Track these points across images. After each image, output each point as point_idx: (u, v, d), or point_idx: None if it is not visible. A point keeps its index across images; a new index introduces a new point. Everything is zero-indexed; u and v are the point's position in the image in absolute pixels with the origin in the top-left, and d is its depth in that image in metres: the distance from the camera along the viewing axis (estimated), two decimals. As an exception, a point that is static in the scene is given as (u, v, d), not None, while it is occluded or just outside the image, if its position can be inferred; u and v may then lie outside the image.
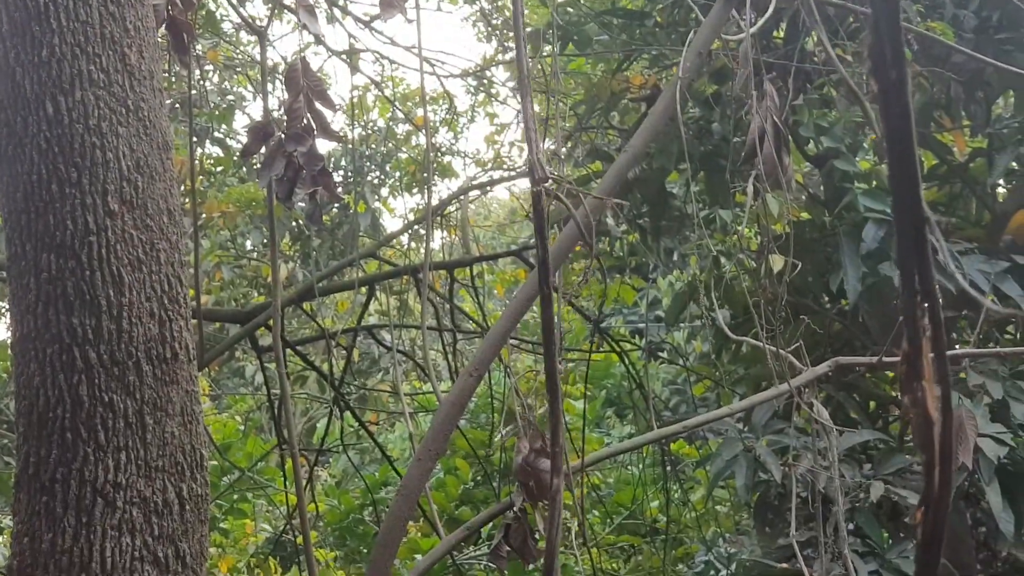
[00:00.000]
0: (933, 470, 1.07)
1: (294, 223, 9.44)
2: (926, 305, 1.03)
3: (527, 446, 4.38)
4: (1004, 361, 6.29)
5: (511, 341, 7.94)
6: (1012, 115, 7.14)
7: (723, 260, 6.78)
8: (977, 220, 7.42)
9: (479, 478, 8.60)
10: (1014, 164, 7.03)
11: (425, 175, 7.14)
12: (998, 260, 6.42)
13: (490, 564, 7.85)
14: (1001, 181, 7.39)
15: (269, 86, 5.43)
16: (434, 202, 7.35)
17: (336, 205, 9.49)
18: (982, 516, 6.75)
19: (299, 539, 7.10)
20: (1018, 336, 7.31)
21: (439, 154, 7.97)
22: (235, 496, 9.42)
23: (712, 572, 8.76)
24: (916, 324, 1.01)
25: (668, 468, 7.95)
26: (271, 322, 5.27)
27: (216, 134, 10.13)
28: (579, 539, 7.02)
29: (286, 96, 4.68)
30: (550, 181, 3.04)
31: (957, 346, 6.58)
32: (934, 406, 1.06)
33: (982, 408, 5.95)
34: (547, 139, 6.19)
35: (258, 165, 5.12)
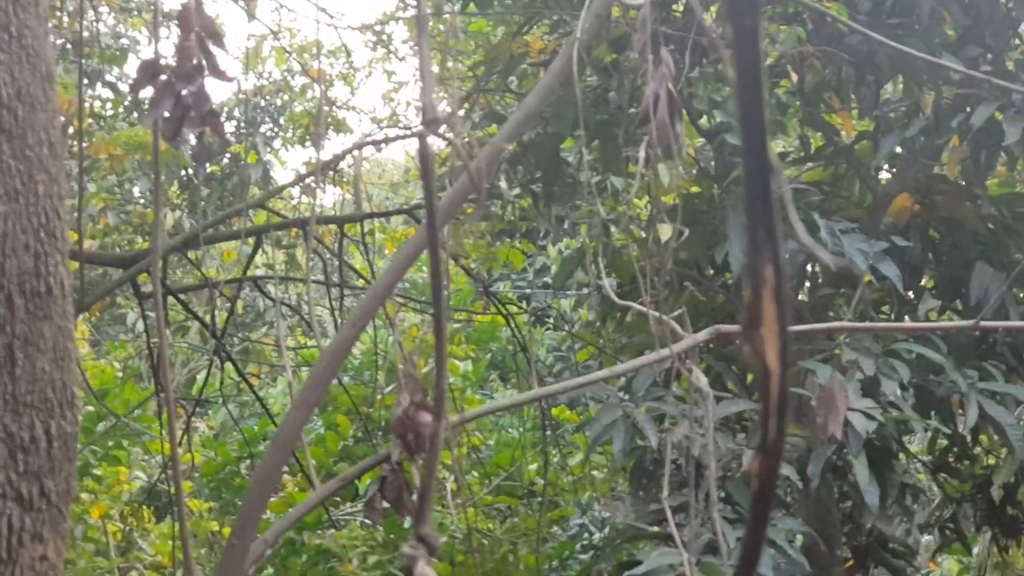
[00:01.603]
0: (768, 420, 1.10)
1: (183, 171, 9.32)
2: (770, 255, 1.06)
3: (407, 399, 4.39)
4: (877, 338, 6.45)
5: (398, 299, 7.95)
6: (900, 99, 7.31)
7: (612, 228, 6.84)
8: (860, 201, 7.59)
9: (360, 435, 8.61)
10: (898, 148, 7.20)
11: (319, 128, 7.10)
12: (878, 241, 6.58)
13: (366, 520, 7.88)
14: (885, 164, 7.56)
15: (164, 31, 5.36)
16: (327, 156, 7.31)
17: (227, 155, 9.39)
18: (849, 489, 6.92)
19: (173, 489, 7.06)
20: (893, 315, 7.51)
21: (333, 108, 7.91)
22: (110, 443, 9.30)
23: (586, 535, 8.89)
24: (759, 272, 1.04)
25: (548, 432, 8.04)
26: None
27: (108, 77, 9.95)
28: (456, 498, 7.08)
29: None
30: (443, 126, 3.06)
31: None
32: (773, 356, 1.09)
33: (854, 383, 6.11)
34: (444, 98, 6.19)
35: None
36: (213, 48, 4.85)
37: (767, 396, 1.12)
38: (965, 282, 7.03)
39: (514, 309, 8.55)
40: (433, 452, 3.32)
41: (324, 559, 8.06)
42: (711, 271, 7.46)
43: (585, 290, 8.00)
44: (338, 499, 8.32)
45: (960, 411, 6.90)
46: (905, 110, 7.05)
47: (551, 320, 9.61)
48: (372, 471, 4.59)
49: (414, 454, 4.48)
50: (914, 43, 6.34)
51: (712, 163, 7.38)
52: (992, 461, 7.77)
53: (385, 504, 4.47)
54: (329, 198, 10.34)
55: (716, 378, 6.99)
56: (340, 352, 4.58)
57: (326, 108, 7.73)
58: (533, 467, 8.76)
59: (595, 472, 9.14)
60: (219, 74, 5.01)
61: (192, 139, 4.89)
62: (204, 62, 4.77)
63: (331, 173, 7.71)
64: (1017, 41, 7.24)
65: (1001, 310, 6.84)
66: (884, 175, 7.87)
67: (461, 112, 7.36)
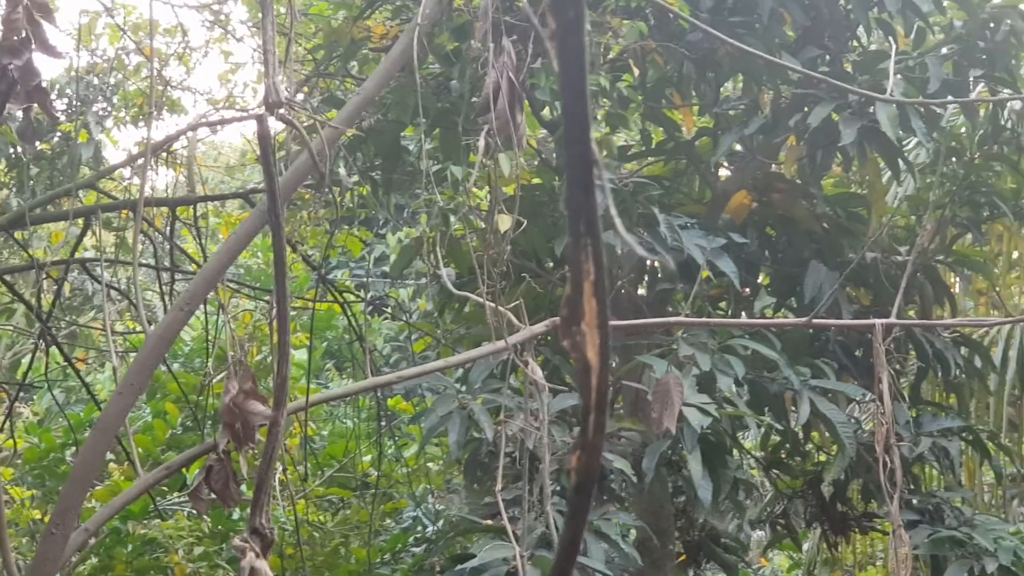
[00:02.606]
0: (589, 415, 1.06)
1: (11, 149, 8.97)
2: (590, 247, 1.01)
3: (235, 387, 4.26)
4: (714, 334, 6.49)
5: (231, 284, 7.75)
6: (739, 97, 7.36)
7: (452, 218, 6.76)
8: (700, 197, 7.63)
9: (189, 423, 8.38)
10: (738, 145, 7.25)
11: (151, 108, 6.87)
12: (715, 237, 6.61)
13: (193, 510, 7.67)
14: (724, 161, 7.61)
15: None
16: (160, 137, 7.09)
17: (58, 134, 9.05)
18: (683, 484, 6.95)
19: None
20: (730, 311, 7.57)
21: (168, 88, 7.67)
22: (-72, 429, 8.90)
23: (419, 527, 8.79)
24: (579, 267, 1.00)
25: (383, 423, 7.92)
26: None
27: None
28: (287, 489, 6.93)
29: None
30: (283, 109, 2.93)
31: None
32: (593, 351, 1.04)
33: (690, 378, 6.12)
34: (285, 81, 6.02)
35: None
36: (42, 22, 4.63)
37: (587, 392, 1.07)
38: (800, 280, 7.12)
39: (352, 297, 8.42)
40: (272, 442, 3.19)
41: (150, 549, 7.84)
42: (551, 263, 7.43)
43: (424, 280, 7.91)
44: (165, 488, 8.08)
45: (793, 408, 6.98)
46: (744, 108, 7.10)
47: (389, 309, 9.48)
48: (200, 460, 4.44)
49: (241, 443, 4.35)
50: (754, 42, 6.38)
51: (554, 155, 7.34)
52: (823, 458, 7.89)
53: (211, 493, 4.33)
54: (163, 180, 10.07)
55: (554, 371, 6.95)
56: (166, 337, 4.42)
57: (160, 88, 7.49)
58: (367, 458, 8.64)
59: (430, 464, 9.06)
60: (48, 49, 4.78)
61: (19, 115, 4.67)
62: (31, 36, 4.55)
63: (164, 154, 7.48)
64: (855, 43, 7.35)
65: (834, 308, 6.94)
66: (723, 172, 7.93)
67: (300, 96, 7.20)
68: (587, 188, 1.04)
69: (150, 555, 7.85)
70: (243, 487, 4.60)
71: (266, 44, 3.11)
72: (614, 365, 7.55)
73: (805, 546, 10.32)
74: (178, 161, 7.96)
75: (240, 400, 4.25)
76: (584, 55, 1.05)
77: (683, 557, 7.79)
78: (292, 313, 9.19)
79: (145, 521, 8.00)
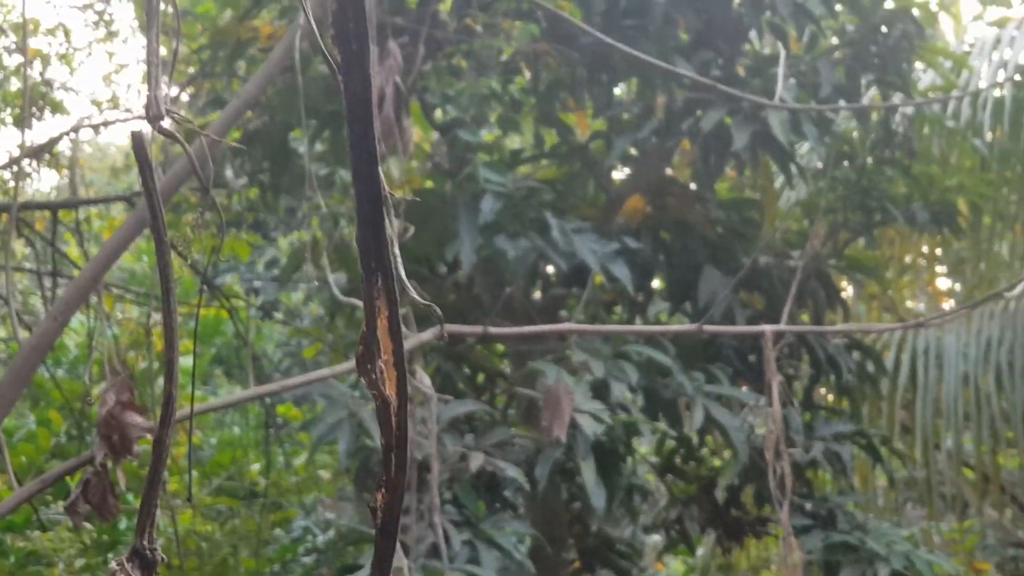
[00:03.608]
0: (391, 452, 1.01)
1: None
2: (382, 285, 0.96)
3: (113, 398, 4.13)
4: (608, 340, 6.43)
5: (115, 289, 7.55)
6: (633, 100, 7.32)
7: (342, 221, 6.64)
8: (594, 201, 7.58)
9: (74, 432, 8.16)
10: (632, 149, 7.21)
11: (31, 107, 6.66)
12: (609, 241, 6.56)
13: (77, 523, 7.45)
14: (618, 164, 7.57)
15: None
16: (42, 139, 6.88)
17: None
18: (577, 491, 6.89)
19: None
20: (625, 317, 7.53)
21: (49, 88, 7.45)
22: None
23: (310, 537, 8.65)
24: (372, 304, 0.95)
25: (272, 430, 7.78)
26: None
27: None
28: (174, 497, 6.76)
29: None
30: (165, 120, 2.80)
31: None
32: (392, 388, 1.01)
33: (584, 385, 6.06)
34: (170, 82, 5.86)
35: None
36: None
37: (388, 429, 1.04)
38: (694, 285, 7.09)
39: (239, 303, 8.25)
40: (157, 463, 3.05)
41: (33, 561, 7.63)
42: (444, 268, 7.34)
43: (316, 284, 7.77)
44: (50, 498, 7.86)
45: (687, 413, 6.95)
46: (638, 111, 7.06)
47: (280, 314, 9.33)
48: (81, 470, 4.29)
49: (119, 455, 4.21)
50: (647, 45, 6.34)
51: (447, 158, 7.24)
52: (718, 463, 7.87)
53: (88, 506, 4.19)
54: (47, 183, 9.81)
55: (446, 378, 6.86)
56: (40, 347, 4.25)
57: (42, 89, 7.27)
58: (256, 467, 8.48)
59: (321, 472, 8.92)
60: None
61: None
62: None
63: (46, 156, 7.26)
64: (748, 47, 7.34)
65: (728, 313, 6.93)
66: (618, 175, 7.89)
67: (185, 97, 7.03)
68: (377, 225, 1.02)
69: (33, 567, 7.64)
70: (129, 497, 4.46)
71: (149, 56, 2.96)
72: (508, 372, 7.48)
73: (700, 551, 10.33)
74: (61, 163, 7.74)
75: (117, 412, 4.13)
76: (369, 89, 1.00)
77: (577, 564, 7.74)
78: (178, 319, 9.01)
79: (28, 532, 7.78)
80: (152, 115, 3.02)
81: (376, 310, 0.95)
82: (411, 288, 1.29)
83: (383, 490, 0.98)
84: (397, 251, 1.02)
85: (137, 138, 3.01)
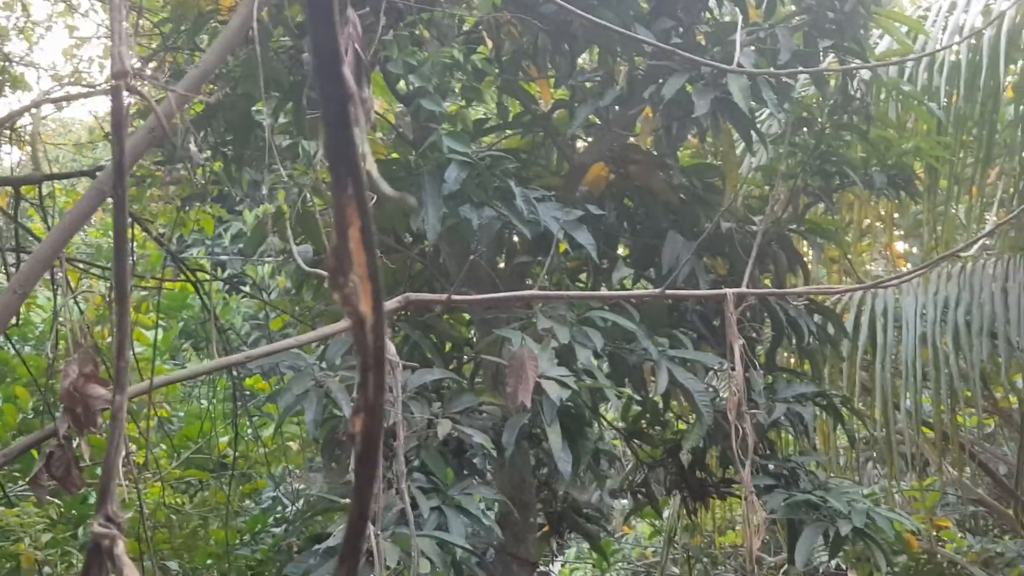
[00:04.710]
0: (368, 373, 0.99)
1: None
2: (353, 193, 0.94)
3: (76, 370, 4.15)
4: (572, 307, 6.49)
5: (78, 264, 7.55)
6: (594, 69, 7.36)
7: (307, 193, 6.65)
8: (557, 169, 7.63)
9: (41, 408, 8.15)
10: (594, 117, 7.25)
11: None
12: (573, 209, 6.61)
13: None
14: (581, 133, 7.61)
15: None
16: (3, 114, 6.86)
17: None
18: (544, 457, 6.96)
19: None
20: (589, 283, 7.59)
21: (9, 63, 7.42)
22: None
23: (279, 508, 8.69)
24: (343, 214, 0.93)
25: (240, 402, 7.80)
26: None
27: None
28: (142, 471, 6.79)
29: None
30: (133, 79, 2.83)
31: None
32: (367, 303, 0.97)
33: (549, 351, 6.11)
34: (132, 51, 5.85)
35: None
36: None
37: (364, 348, 0.99)
38: (658, 251, 7.15)
39: (205, 276, 8.25)
40: (116, 428, 3.09)
41: (1, 538, 7.62)
42: (409, 238, 7.37)
43: (283, 256, 7.79)
44: (17, 474, 7.86)
45: (652, 378, 7.02)
46: (600, 80, 7.10)
47: (247, 287, 9.32)
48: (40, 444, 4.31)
49: (82, 428, 4.24)
50: (608, 14, 6.38)
51: (411, 129, 7.26)
52: (683, 427, 7.96)
53: (52, 479, 4.21)
54: (10, 158, 9.76)
55: (413, 347, 6.91)
56: (2, 319, 4.27)
57: (1, 63, 7.25)
58: (225, 439, 8.50)
59: (290, 443, 8.95)
60: None
61: None
62: None
63: (7, 132, 7.24)
64: (708, 15, 7.39)
65: (692, 278, 7.01)
66: (581, 144, 7.93)
67: (149, 71, 7.02)
68: (346, 129, 0.97)
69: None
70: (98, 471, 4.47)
71: (113, 12, 2.99)
72: (474, 339, 7.54)
73: (666, 513, 10.45)
74: (23, 138, 7.72)
75: (80, 384, 4.14)
76: None
77: (546, 528, 7.83)
78: (144, 293, 9.02)
79: (-3, 508, 7.77)
80: (117, 71, 3.06)
81: (347, 220, 0.94)
82: (387, 187, 1.29)
83: (362, 415, 0.98)
84: (368, 153, 1.02)
85: (115, 94, 3.04)
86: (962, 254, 8.85)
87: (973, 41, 8.58)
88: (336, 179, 0.94)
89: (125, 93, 2.83)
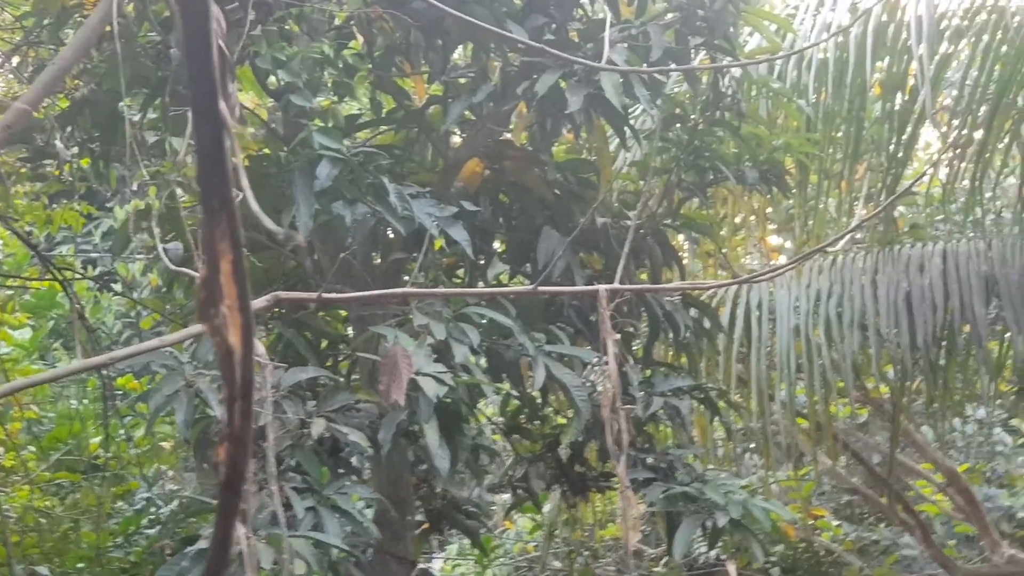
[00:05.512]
0: (235, 404, 0.98)
1: None
2: (226, 225, 0.92)
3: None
4: (449, 303, 6.47)
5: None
6: (468, 65, 7.35)
7: (178, 190, 6.53)
8: (432, 166, 7.60)
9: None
10: (468, 113, 7.24)
11: None
12: (448, 206, 6.59)
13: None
14: (455, 129, 7.59)
15: None
16: None
17: None
18: (421, 454, 6.93)
19: None
20: (467, 280, 7.58)
21: None
22: None
23: (153, 509, 8.55)
24: (214, 245, 0.91)
25: (111, 402, 7.66)
26: None
27: None
28: (9, 474, 6.64)
29: None
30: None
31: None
32: (236, 335, 0.96)
33: (426, 348, 6.09)
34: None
35: None
36: None
37: (231, 379, 0.99)
38: (534, 246, 7.17)
39: (75, 275, 8.09)
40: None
41: None
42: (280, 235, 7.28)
43: (153, 254, 7.65)
44: None
45: (529, 373, 7.04)
46: (474, 76, 7.09)
47: (118, 285, 9.15)
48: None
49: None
50: (480, 10, 6.36)
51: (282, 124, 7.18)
52: (562, 421, 7.99)
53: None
54: None
55: (288, 345, 6.83)
56: None
57: None
58: (96, 440, 8.34)
59: (162, 443, 8.81)
60: None
61: None
62: None
63: None
64: (580, 12, 7.42)
65: (568, 274, 7.02)
66: (455, 140, 7.91)
67: (10, 65, 6.86)
68: (219, 161, 0.96)
69: None
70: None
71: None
72: (351, 335, 7.48)
73: (546, 508, 10.48)
74: None
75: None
76: (209, 19, 0.97)
77: (426, 526, 7.80)
78: (10, 292, 8.81)
79: None
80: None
81: (219, 253, 0.92)
82: (265, 219, 1.27)
83: (227, 443, 0.97)
84: (246, 185, 1.01)
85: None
86: (832, 248, 9.00)
87: (840, 39, 8.72)
88: (208, 211, 0.94)
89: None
